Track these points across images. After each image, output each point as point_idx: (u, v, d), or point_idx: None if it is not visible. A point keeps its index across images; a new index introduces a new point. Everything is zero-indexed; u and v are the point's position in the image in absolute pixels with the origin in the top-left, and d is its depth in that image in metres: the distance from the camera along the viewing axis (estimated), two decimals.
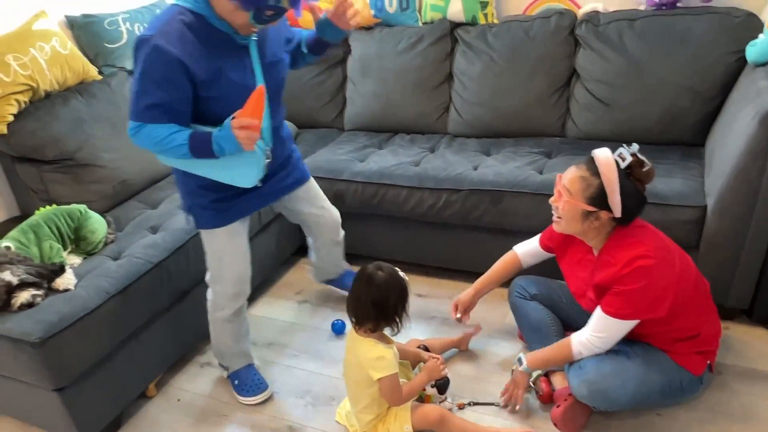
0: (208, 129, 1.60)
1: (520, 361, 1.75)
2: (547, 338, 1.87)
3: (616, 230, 1.60)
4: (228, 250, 1.86)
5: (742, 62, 2.19)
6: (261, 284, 2.59)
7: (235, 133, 1.51)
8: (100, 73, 2.59)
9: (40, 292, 1.77)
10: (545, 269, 2.05)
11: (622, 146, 1.55)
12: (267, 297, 2.59)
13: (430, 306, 2.39)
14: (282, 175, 1.95)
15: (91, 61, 2.56)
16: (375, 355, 1.63)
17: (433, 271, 2.54)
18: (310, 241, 2.29)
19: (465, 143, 2.64)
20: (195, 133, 1.56)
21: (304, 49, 1.87)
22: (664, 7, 2.39)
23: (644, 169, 1.53)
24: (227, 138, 1.53)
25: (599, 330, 1.63)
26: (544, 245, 1.88)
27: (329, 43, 1.83)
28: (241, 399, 2.03)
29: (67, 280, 1.85)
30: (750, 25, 2.18)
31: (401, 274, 1.65)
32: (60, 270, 1.86)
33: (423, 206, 2.34)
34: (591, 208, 1.55)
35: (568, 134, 2.57)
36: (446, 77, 2.74)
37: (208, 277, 1.94)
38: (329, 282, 2.48)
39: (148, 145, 1.58)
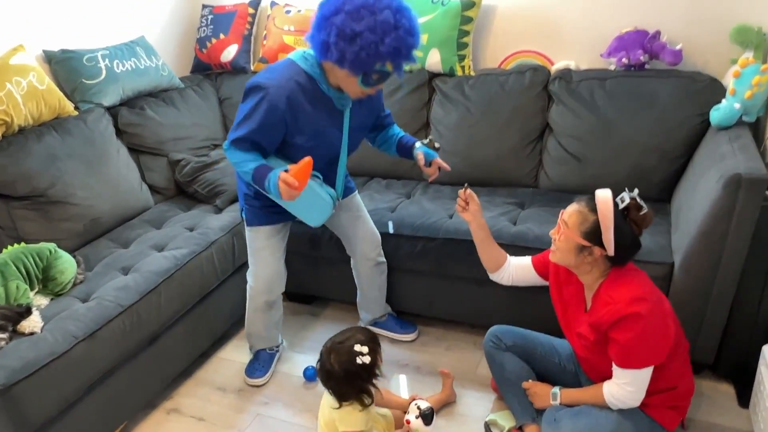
0: (279, 162, 1.88)
1: (554, 396, 1.80)
2: (521, 391, 1.89)
3: (612, 271, 1.65)
4: (266, 247, 2.09)
5: (706, 124, 2.29)
6: (232, 326, 2.56)
7: (280, 184, 1.73)
8: (76, 108, 2.57)
9: (4, 336, 1.72)
10: (523, 319, 2.09)
11: (625, 190, 1.61)
12: (237, 340, 2.55)
13: (402, 355, 2.38)
14: None
15: (68, 97, 2.54)
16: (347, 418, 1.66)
17: (407, 317, 2.55)
18: (352, 263, 2.36)
19: (440, 190, 2.69)
20: (260, 167, 1.80)
21: (393, 147, 2.14)
22: (632, 69, 2.49)
23: (641, 213, 1.59)
24: (274, 184, 1.75)
25: (624, 381, 1.64)
26: (538, 267, 1.91)
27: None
28: (247, 379, 2.29)
29: (33, 323, 1.80)
30: (713, 89, 2.30)
31: (358, 349, 1.61)
32: (26, 312, 1.81)
33: (398, 253, 2.35)
34: (585, 243, 1.60)
35: (540, 185, 2.63)
36: (423, 125, 2.80)
37: (248, 271, 2.20)
38: (375, 324, 2.49)
39: (231, 161, 1.87)
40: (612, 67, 2.56)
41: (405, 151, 2.11)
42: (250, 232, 2.11)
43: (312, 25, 1.74)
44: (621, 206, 1.59)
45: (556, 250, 1.70)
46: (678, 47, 2.38)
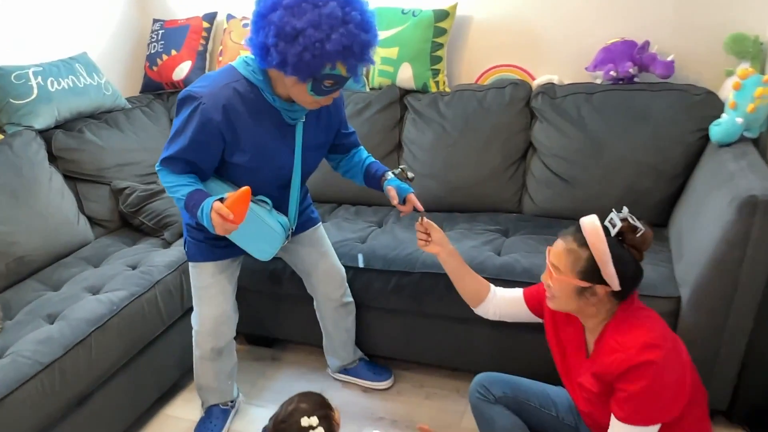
0: (221, 186, 1.64)
1: None
2: None
3: (618, 310, 1.41)
4: (211, 285, 1.83)
5: (704, 141, 2.10)
6: (182, 377, 2.24)
7: (213, 216, 1.48)
8: (1, 131, 2.26)
9: None
10: (513, 363, 1.84)
11: (612, 211, 1.38)
12: (187, 393, 2.23)
13: (376, 406, 2.10)
14: None
15: None
16: None
17: (380, 361, 2.27)
18: (315, 304, 2.10)
19: (415, 217, 2.41)
20: (193, 193, 1.54)
21: (360, 175, 1.88)
22: (620, 82, 2.30)
23: (638, 235, 1.36)
24: (207, 215, 1.50)
25: None
26: (530, 302, 1.65)
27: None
28: None
29: None
30: (710, 103, 2.11)
31: (306, 423, 1.34)
32: None
33: (369, 290, 2.09)
34: (584, 284, 1.36)
35: (525, 210, 2.40)
36: (395, 146, 2.56)
37: (192, 314, 1.92)
38: (345, 371, 2.21)
39: (163, 185, 1.62)
40: (598, 81, 2.37)
41: (374, 181, 1.84)
42: (193, 269, 1.84)
43: (250, 27, 1.48)
44: (613, 232, 1.36)
45: (553, 297, 1.46)
46: (669, 58, 2.20)
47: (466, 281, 1.73)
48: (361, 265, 2.09)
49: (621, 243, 1.36)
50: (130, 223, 2.49)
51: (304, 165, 1.73)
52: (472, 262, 1.98)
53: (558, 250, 1.40)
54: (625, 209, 1.39)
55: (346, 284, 2.04)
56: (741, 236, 1.58)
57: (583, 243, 1.36)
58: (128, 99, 2.82)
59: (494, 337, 2.00)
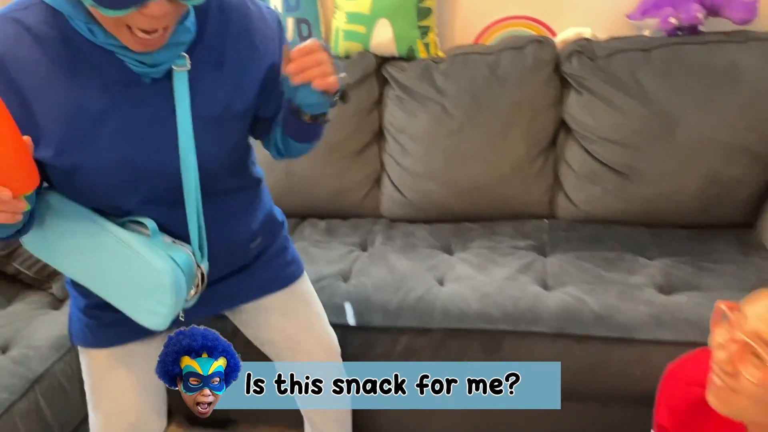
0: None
1: None
2: None
3: None
4: (106, 386, 1.14)
5: None
6: None
7: None
8: None
9: None
10: None
11: None
12: None
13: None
14: (242, 275, 1.18)
15: None
16: None
17: None
18: None
19: (411, 233, 1.78)
20: None
21: (281, 127, 1.08)
22: (679, 33, 1.69)
23: None
24: None
25: None
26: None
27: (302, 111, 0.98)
28: None
29: None
30: None
31: None
32: None
33: (368, 356, 1.43)
34: None
35: (559, 215, 1.78)
36: (374, 136, 1.88)
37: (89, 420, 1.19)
38: None
39: None
40: (646, 33, 1.75)
41: (289, 117, 1.03)
42: (81, 356, 1.16)
43: None
44: None
45: (734, 393, 0.84)
46: None
47: None
48: (350, 321, 1.43)
49: None
50: (2, 271, 1.72)
51: (203, 154, 0.96)
52: (516, 309, 1.36)
53: None
54: None
55: (341, 364, 1.35)
56: None
57: None
58: None
59: (557, 420, 1.40)
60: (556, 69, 1.73)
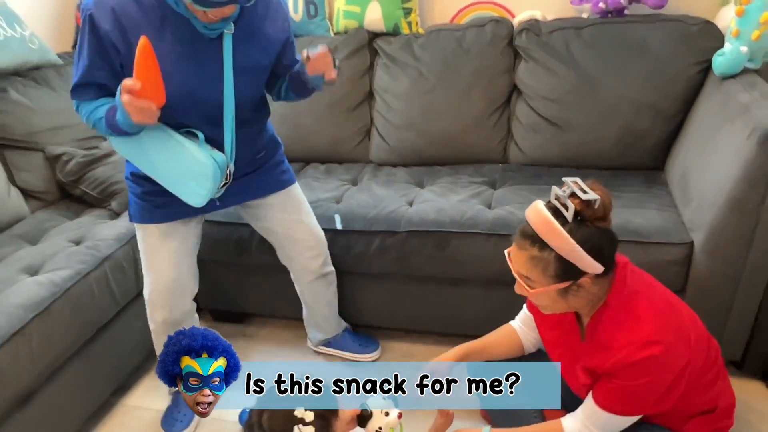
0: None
1: None
2: (522, 421, 1.46)
3: (610, 295, 1.23)
4: (156, 251, 1.60)
5: (704, 75, 1.94)
6: (145, 360, 2.00)
7: (123, 100, 1.24)
8: None
9: None
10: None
11: (553, 188, 1.16)
12: (150, 380, 1.99)
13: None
14: (252, 176, 1.64)
15: None
16: None
17: (365, 330, 2.08)
18: (292, 276, 1.87)
19: (392, 173, 2.22)
20: (111, 109, 1.33)
21: (286, 83, 1.59)
22: (609, 15, 2.12)
23: (596, 206, 1.15)
24: (122, 110, 1.27)
25: (594, 424, 1.26)
26: (532, 308, 1.48)
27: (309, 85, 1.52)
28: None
29: None
30: (709, 33, 1.95)
31: (299, 414, 1.11)
32: None
33: (350, 253, 1.88)
34: (565, 284, 1.17)
35: (511, 160, 2.22)
36: (366, 96, 2.32)
37: (144, 281, 1.67)
38: (329, 344, 1.99)
39: (84, 121, 1.42)
40: (585, 15, 2.18)
41: (297, 80, 1.54)
42: (138, 231, 1.63)
43: None
44: (569, 216, 1.13)
45: (540, 307, 1.30)
46: None
47: (500, 351, 1.50)
48: (338, 226, 1.87)
49: (582, 222, 1.13)
50: (71, 193, 2.19)
51: (238, 92, 1.44)
52: (463, 218, 1.80)
53: (521, 260, 1.19)
54: (568, 179, 1.15)
55: (327, 252, 1.82)
56: (763, 173, 1.44)
57: (543, 246, 1.14)
58: (59, 55, 2.47)
59: (487, 298, 1.83)
60: (510, 43, 2.16)
